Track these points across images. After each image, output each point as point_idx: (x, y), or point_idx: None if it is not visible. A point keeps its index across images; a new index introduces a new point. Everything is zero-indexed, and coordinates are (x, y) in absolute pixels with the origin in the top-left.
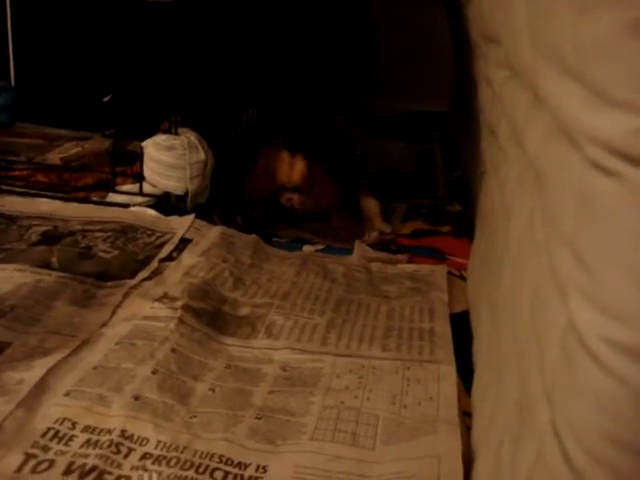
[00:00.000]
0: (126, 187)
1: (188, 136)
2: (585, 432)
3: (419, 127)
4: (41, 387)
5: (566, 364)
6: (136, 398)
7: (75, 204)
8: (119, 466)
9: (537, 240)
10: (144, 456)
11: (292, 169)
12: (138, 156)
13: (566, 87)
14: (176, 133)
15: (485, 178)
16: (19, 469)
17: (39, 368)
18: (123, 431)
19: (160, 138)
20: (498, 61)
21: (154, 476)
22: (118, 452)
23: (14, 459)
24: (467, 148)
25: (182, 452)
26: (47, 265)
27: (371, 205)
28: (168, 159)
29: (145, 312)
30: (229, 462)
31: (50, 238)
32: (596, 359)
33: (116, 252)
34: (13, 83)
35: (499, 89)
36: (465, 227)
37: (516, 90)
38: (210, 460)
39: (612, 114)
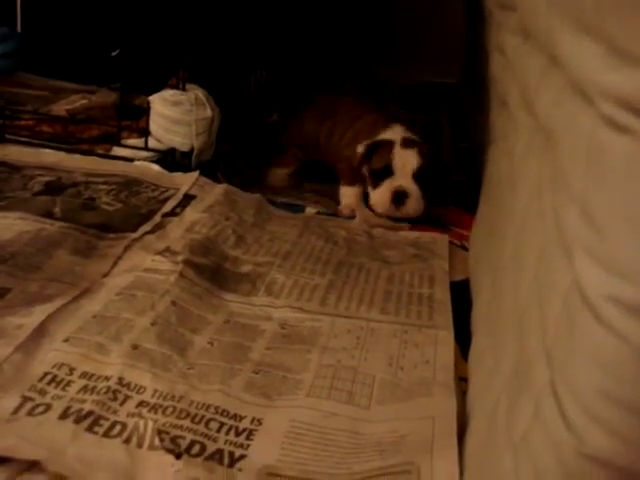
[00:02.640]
0: (131, 141)
1: (196, 92)
2: (584, 391)
3: (427, 97)
4: (40, 332)
5: (568, 324)
6: (134, 347)
7: (79, 156)
8: (115, 412)
9: (543, 204)
10: (140, 404)
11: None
12: (144, 111)
13: (583, 44)
14: (184, 89)
15: (493, 148)
16: (15, 411)
17: (39, 314)
18: (120, 379)
19: (167, 93)
20: (512, 28)
21: (149, 423)
22: (115, 399)
23: (11, 401)
24: (476, 119)
25: (178, 401)
26: (50, 215)
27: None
28: (174, 114)
29: (146, 264)
30: (224, 413)
31: (53, 188)
32: (599, 317)
33: (119, 205)
34: (19, 30)
35: (512, 56)
36: (470, 197)
37: (530, 55)
38: (206, 410)
39: (628, 70)
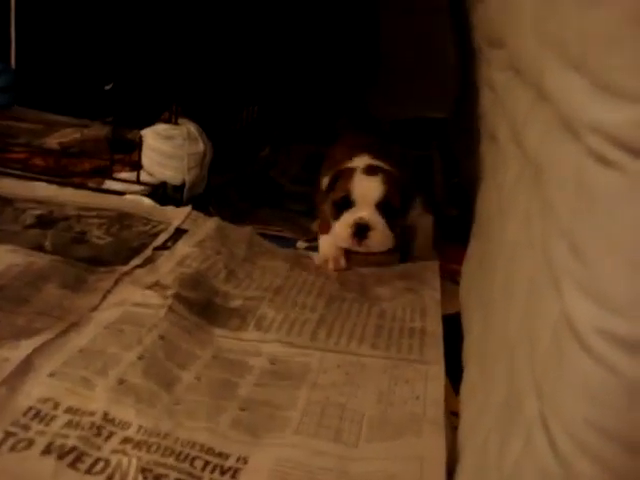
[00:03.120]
0: (123, 175)
1: (188, 127)
2: (573, 422)
3: (419, 133)
4: (26, 367)
5: (557, 355)
6: (120, 382)
7: (71, 189)
8: (99, 448)
9: (533, 238)
10: (125, 440)
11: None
12: (137, 144)
13: (569, 78)
14: (176, 123)
15: (483, 182)
16: None
17: (25, 348)
18: (105, 414)
19: (160, 127)
20: (501, 64)
21: (133, 461)
22: (99, 434)
23: None
24: (466, 155)
25: (163, 438)
26: (40, 248)
27: None
28: (167, 148)
29: (135, 298)
30: (210, 451)
31: (45, 222)
32: (588, 349)
33: (110, 239)
34: (14, 66)
35: (501, 91)
36: (461, 232)
37: (518, 89)
38: (191, 448)
39: (614, 104)
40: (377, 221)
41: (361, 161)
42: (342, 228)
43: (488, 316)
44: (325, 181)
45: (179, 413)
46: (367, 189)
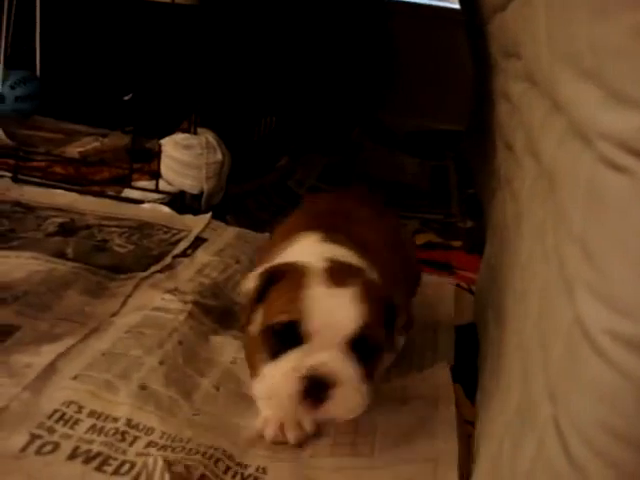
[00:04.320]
0: (142, 183)
1: (207, 136)
2: (586, 425)
3: (434, 145)
4: (49, 371)
5: (570, 359)
6: (142, 388)
7: (91, 198)
8: (124, 452)
9: (546, 246)
10: (149, 444)
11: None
12: (156, 154)
13: (582, 88)
14: (195, 133)
15: (498, 192)
16: (24, 449)
17: (48, 353)
18: (129, 420)
19: (179, 137)
20: (517, 75)
21: (159, 461)
22: (123, 440)
23: (19, 439)
24: (481, 166)
25: (187, 442)
26: (62, 255)
27: None
28: (186, 158)
29: (155, 303)
30: (231, 458)
31: (67, 230)
32: (600, 352)
33: (131, 247)
34: (38, 74)
35: (517, 102)
36: (476, 243)
37: (533, 100)
38: (215, 450)
39: (625, 112)
40: (346, 372)
41: (315, 249)
42: (283, 380)
43: (502, 324)
44: (251, 282)
45: (199, 425)
46: (332, 316)
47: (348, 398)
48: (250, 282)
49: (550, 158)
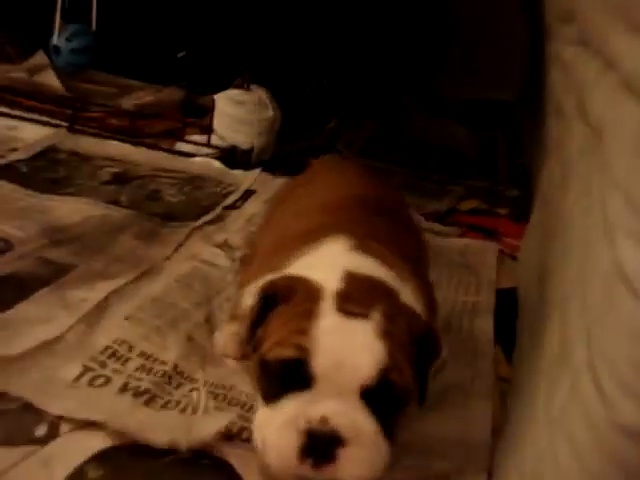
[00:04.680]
0: (194, 138)
1: (259, 93)
2: (619, 363)
3: (485, 114)
4: (102, 307)
5: (607, 302)
6: (189, 339)
7: (145, 150)
8: (170, 393)
9: (592, 199)
10: (194, 389)
11: None
12: (209, 109)
13: (633, 42)
14: (248, 89)
15: (547, 160)
16: (77, 379)
17: (102, 290)
18: (175, 366)
19: (232, 92)
20: (570, 39)
21: (202, 396)
22: (170, 383)
23: (73, 369)
24: (532, 135)
25: (229, 390)
26: (116, 202)
27: None
28: (238, 114)
29: (205, 255)
30: None
31: (120, 179)
32: (634, 292)
33: (182, 197)
34: (94, 28)
35: (569, 65)
36: (522, 211)
37: (586, 61)
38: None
39: None
40: (361, 426)
41: (338, 260)
42: (279, 433)
43: (544, 284)
44: (248, 294)
45: (241, 378)
46: (347, 356)
47: (362, 460)
48: (251, 296)
49: (599, 115)
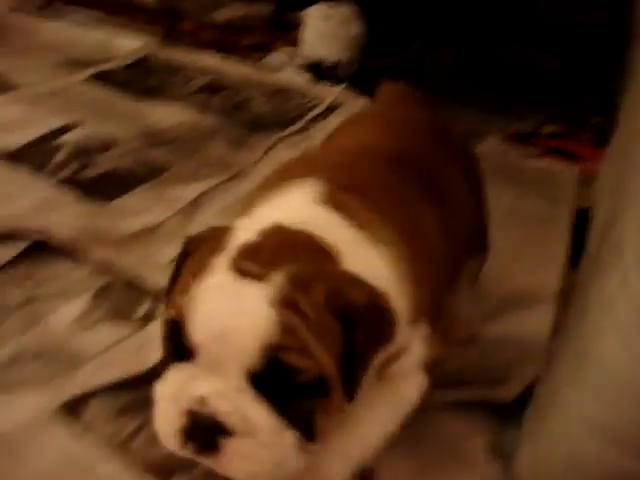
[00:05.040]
0: (282, 51)
1: (346, 9)
2: None
3: (573, 41)
4: (197, 203)
5: None
6: None
7: (234, 62)
8: None
9: None
10: None
11: None
12: (297, 24)
13: None
14: (336, 3)
15: (634, 82)
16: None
17: (195, 189)
18: None
19: (320, 7)
20: None
21: None
22: None
23: (168, 251)
24: (620, 61)
25: None
26: (207, 110)
27: None
28: (325, 28)
29: None
30: None
31: (211, 88)
32: None
33: (269, 107)
34: None
35: None
36: (604, 137)
37: None
38: None
39: None
40: (249, 415)
41: (273, 217)
42: (162, 412)
43: (616, 200)
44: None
45: None
46: (228, 325)
47: (251, 455)
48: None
49: None
